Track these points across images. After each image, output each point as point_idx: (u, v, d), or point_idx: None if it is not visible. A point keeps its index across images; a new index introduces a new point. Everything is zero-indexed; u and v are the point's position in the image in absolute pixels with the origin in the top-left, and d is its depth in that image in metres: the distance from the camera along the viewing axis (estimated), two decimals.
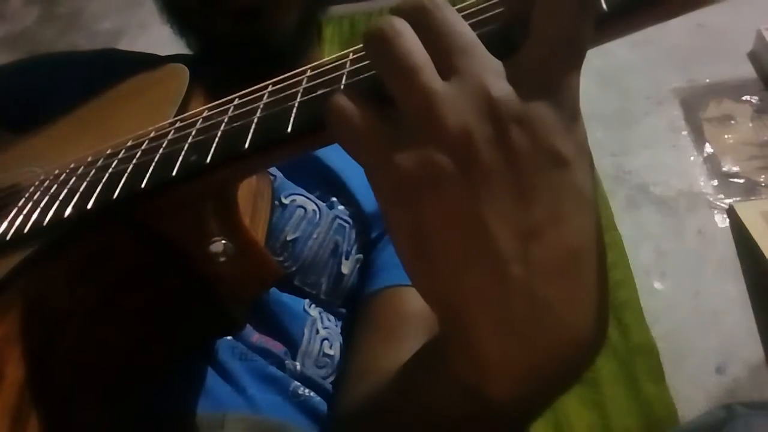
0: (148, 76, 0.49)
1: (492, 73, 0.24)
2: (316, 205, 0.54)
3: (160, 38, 0.70)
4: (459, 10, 0.27)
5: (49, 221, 0.34)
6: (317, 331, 0.52)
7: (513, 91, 0.23)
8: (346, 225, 0.56)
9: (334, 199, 0.57)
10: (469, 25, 0.25)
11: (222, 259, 0.35)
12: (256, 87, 0.33)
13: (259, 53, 0.57)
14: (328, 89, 0.29)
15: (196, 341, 0.41)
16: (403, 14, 0.25)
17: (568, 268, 0.24)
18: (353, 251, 0.56)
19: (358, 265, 0.57)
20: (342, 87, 0.28)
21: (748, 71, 1.53)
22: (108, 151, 0.37)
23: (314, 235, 0.53)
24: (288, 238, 0.51)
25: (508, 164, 0.23)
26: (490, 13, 0.27)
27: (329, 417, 0.48)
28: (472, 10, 0.27)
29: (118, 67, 0.65)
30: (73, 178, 0.37)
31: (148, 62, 0.67)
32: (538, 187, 0.23)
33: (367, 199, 0.58)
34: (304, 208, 0.53)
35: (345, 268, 0.55)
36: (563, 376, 0.26)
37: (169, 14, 0.62)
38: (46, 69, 0.68)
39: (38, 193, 0.38)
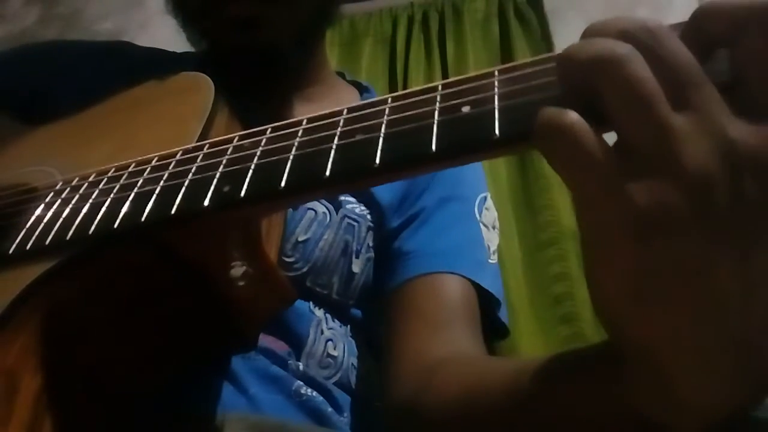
0: (169, 82, 0.48)
1: (726, 114, 0.22)
2: (326, 206, 0.55)
3: (161, 38, 0.69)
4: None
5: (71, 236, 0.34)
6: (322, 332, 0.53)
7: (748, 134, 0.22)
8: (355, 224, 0.57)
9: (343, 198, 0.57)
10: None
11: (241, 283, 0.35)
12: (289, 122, 0.33)
13: (260, 62, 0.57)
14: (366, 135, 0.29)
15: (208, 358, 0.42)
16: (631, 40, 0.23)
17: None
18: (363, 249, 0.57)
19: (369, 264, 0.57)
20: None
21: None
22: (131, 167, 0.37)
23: (325, 236, 0.54)
24: (299, 239, 0.52)
25: (738, 213, 0.22)
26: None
27: (383, 405, 0.50)
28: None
29: (132, 60, 0.65)
30: (96, 192, 0.36)
31: (163, 59, 0.66)
32: (762, 241, 0.22)
33: (382, 191, 0.59)
34: (315, 210, 0.54)
35: (356, 267, 0.56)
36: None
37: (174, 11, 0.62)
38: (56, 55, 0.67)
39: (58, 203, 0.37)
